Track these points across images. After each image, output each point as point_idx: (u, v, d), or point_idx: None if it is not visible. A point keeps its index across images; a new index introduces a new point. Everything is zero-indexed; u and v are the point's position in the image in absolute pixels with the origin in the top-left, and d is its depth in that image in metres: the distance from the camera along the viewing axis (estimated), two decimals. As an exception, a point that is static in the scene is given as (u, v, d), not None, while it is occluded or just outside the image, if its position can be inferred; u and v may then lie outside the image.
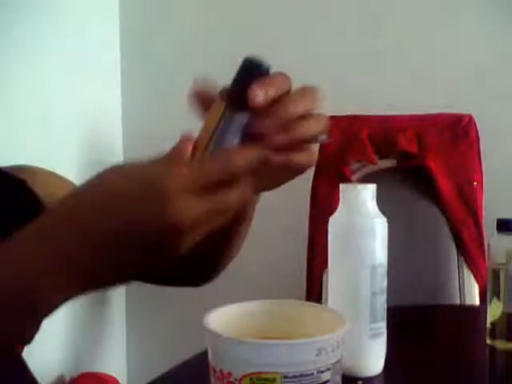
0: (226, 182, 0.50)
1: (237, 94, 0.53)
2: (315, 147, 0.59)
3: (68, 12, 1.86)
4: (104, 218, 0.49)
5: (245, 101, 0.52)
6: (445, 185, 1.65)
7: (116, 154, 2.11)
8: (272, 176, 0.58)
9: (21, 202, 0.73)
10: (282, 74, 0.55)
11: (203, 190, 0.49)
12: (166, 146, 0.52)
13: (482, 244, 1.61)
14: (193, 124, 0.56)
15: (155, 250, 0.50)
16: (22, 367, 0.71)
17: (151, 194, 0.48)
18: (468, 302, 1.59)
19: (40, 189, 0.75)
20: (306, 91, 0.56)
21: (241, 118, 0.53)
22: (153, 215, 0.48)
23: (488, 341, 0.93)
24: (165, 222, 0.48)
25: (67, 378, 1.86)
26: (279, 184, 0.61)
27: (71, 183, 0.82)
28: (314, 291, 1.69)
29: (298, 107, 0.55)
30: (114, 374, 1.93)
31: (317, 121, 0.56)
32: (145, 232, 0.49)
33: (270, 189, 0.61)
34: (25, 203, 0.72)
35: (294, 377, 0.50)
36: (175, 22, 2.11)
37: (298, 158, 0.56)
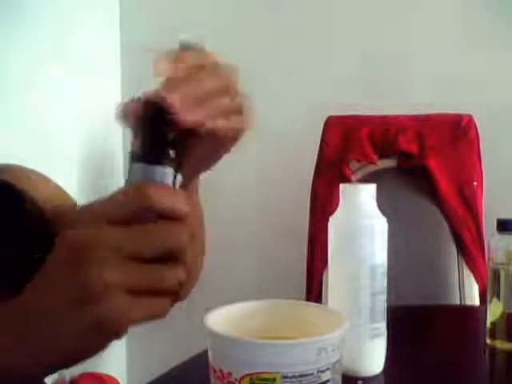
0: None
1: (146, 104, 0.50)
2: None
3: (68, 12, 1.86)
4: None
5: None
6: (445, 185, 1.65)
7: (116, 154, 2.11)
8: (206, 150, 0.55)
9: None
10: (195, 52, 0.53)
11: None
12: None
13: (481, 244, 1.61)
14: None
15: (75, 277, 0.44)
16: None
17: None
18: (468, 302, 1.59)
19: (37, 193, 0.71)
20: (219, 69, 0.53)
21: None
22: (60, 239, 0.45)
23: (488, 341, 0.93)
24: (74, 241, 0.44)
25: (67, 378, 1.86)
26: (215, 159, 0.58)
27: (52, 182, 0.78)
28: (314, 291, 1.69)
29: (208, 84, 0.51)
30: (113, 374, 1.93)
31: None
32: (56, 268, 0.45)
33: (208, 165, 0.58)
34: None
35: (294, 377, 0.50)
36: (175, 22, 2.11)
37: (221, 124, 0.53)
